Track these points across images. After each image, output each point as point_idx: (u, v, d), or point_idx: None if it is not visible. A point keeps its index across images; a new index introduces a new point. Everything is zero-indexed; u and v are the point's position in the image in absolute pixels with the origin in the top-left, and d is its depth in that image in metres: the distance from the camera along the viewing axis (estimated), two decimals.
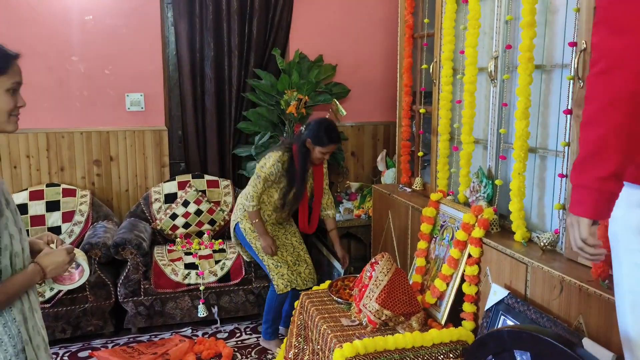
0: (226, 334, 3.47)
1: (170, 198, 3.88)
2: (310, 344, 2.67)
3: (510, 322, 2.10)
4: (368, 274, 2.54)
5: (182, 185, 3.93)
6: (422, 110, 3.17)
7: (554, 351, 1.02)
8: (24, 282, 1.50)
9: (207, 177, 4.04)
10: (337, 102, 4.07)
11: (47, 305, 3.24)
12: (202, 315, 3.43)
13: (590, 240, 1.26)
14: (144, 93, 3.99)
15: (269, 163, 3.11)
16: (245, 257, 3.50)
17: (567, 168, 2.08)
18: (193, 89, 4.06)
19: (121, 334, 3.44)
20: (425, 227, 2.76)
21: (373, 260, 2.57)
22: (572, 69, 2.02)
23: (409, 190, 3.33)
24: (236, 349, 3.28)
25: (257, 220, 3.16)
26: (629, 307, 1.31)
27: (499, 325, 2.15)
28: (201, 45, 4.03)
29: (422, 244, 2.77)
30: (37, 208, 3.71)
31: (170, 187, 3.92)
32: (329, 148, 3.13)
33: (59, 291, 3.24)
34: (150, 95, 4.01)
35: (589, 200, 1.22)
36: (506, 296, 2.15)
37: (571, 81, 2.04)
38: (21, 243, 1.52)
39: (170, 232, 3.82)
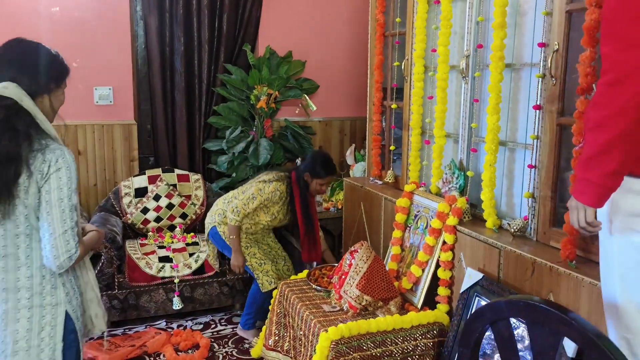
0: (201, 326, 3.50)
1: (140, 192, 3.87)
2: (291, 331, 2.76)
3: (485, 303, 2.25)
4: (348, 262, 2.65)
5: (152, 180, 3.92)
6: (393, 106, 3.30)
7: (547, 316, 1.15)
8: (92, 244, 1.83)
9: (178, 171, 4.05)
10: (307, 98, 4.17)
11: None
12: (177, 308, 3.45)
13: (594, 223, 1.51)
14: (112, 87, 3.95)
15: (267, 189, 3.21)
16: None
17: (535, 159, 2.25)
18: (163, 83, 4.05)
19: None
20: (400, 217, 2.89)
21: (352, 248, 2.69)
22: (541, 67, 2.19)
23: (380, 182, 3.46)
24: (213, 340, 3.32)
25: (234, 236, 3.24)
26: (617, 279, 1.49)
27: (474, 307, 2.31)
28: (171, 40, 4.03)
29: (397, 233, 2.90)
30: None
31: (141, 181, 3.91)
32: (327, 180, 3.29)
33: None
34: (119, 89, 3.98)
35: (593, 192, 1.46)
36: (480, 279, 2.30)
37: (540, 79, 2.21)
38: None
39: (141, 226, 3.81)
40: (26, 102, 1.67)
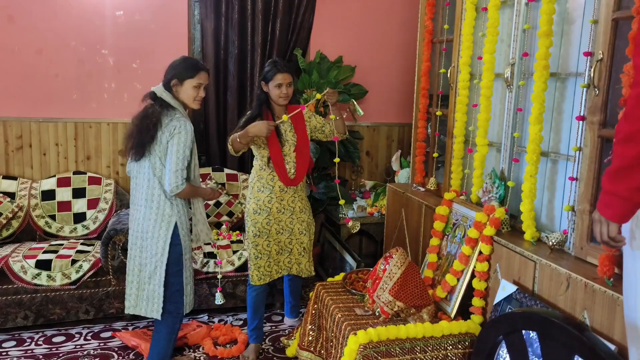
0: (241, 322, 3.60)
1: None
2: (324, 332, 2.79)
3: None
4: (382, 267, 2.66)
5: (202, 178, 4.06)
6: (438, 113, 3.28)
7: (562, 332, 1.13)
8: (203, 193, 2.79)
9: (227, 170, 4.18)
10: (355, 103, 4.18)
11: (72, 287, 3.39)
12: (219, 303, 3.54)
13: (617, 238, 1.47)
14: None
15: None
16: None
17: (577, 172, 2.19)
18: (216, 84, 4.20)
19: (141, 318, 3.57)
20: (438, 225, 2.87)
21: (387, 254, 2.70)
22: (586, 77, 2.13)
23: (422, 189, 3.44)
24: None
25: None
26: None
27: None
28: (226, 43, 4.16)
29: (434, 241, 2.88)
30: (64, 194, 3.86)
31: None
32: (280, 78, 2.93)
33: (84, 274, 3.39)
34: None
35: (618, 206, 1.42)
36: (514, 291, 2.26)
37: (585, 89, 2.14)
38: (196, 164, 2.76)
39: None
40: (159, 92, 2.66)
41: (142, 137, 2.60)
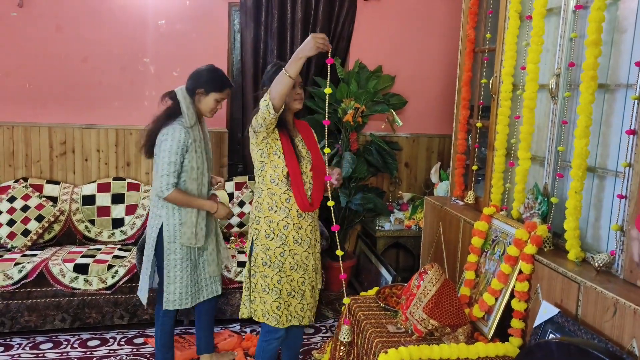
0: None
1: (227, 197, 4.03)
2: (356, 348, 2.72)
3: None
4: (416, 283, 2.57)
5: (239, 186, 4.07)
6: (479, 125, 3.17)
7: None
8: (200, 205, 2.76)
9: None
10: (394, 113, 4.12)
11: (108, 292, 3.43)
12: None
13: None
14: None
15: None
16: None
17: (627, 189, 2.05)
18: (254, 94, 4.20)
19: (175, 325, 3.58)
20: (476, 241, 2.76)
21: (422, 269, 2.60)
22: (637, 89, 2.00)
23: (461, 203, 3.33)
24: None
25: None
26: None
27: None
28: (265, 52, 4.17)
29: (472, 257, 2.77)
30: (103, 200, 3.93)
31: (228, 187, 4.07)
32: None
33: (120, 279, 3.43)
34: None
35: None
36: (556, 314, 2.13)
37: (636, 101, 2.01)
38: (202, 174, 2.82)
39: (224, 231, 3.96)
40: (181, 95, 2.77)
41: (148, 138, 2.79)
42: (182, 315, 3.57)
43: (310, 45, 2.23)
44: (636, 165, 2.01)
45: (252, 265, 2.61)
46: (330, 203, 2.33)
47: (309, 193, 2.57)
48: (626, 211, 2.05)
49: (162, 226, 2.75)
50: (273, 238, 2.54)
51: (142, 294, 2.89)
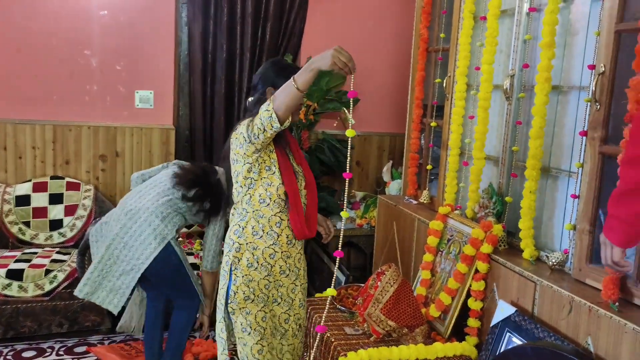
0: None
1: None
2: (311, 352, 2.66)
3: (516, 339, 2.10)
4: (374, 284, 2.54)
5: None
6: (433, 124, 3.18)
7: None
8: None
9: None
10: (346, 111, 4.08)
11: (46, 299, 3.22)
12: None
13: (621, 263, 1.40)
14: (153, 91, 3.99)
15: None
16: None
17: (579, 189, 2.09)
18: (203, 89, 4.06)
19: (118, 332, 3.41)
20: (432, 240, 2.76)
21: (379, 270, 2.58)
22: (590, 91, 2.04)
23: (415, 202, 3.34)
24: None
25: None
26: None
27: (505, 342, 2.15)
28: (214, 47, 4.04)
29: (428, 257, 2.77)
30: (40, 200, 3.69)
31: None
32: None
33: (58, 285, 3.23)
34: (160, 94, 4.01)
35: (621, 231, 1.35)
36: (513, 313, 2.15)
37: (588, 103, 2.05)
38: None
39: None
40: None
41: None
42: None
43: (327, 59, 1.84)
44: (586, 166, 2.05)
45: (229, 301, 2.14)
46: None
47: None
48: (579, 211, 2.09)
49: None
50: (257, 268, 2.14)
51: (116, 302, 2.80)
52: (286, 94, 1.91)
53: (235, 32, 4.03)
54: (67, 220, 3.70)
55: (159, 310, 2.97)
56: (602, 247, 1.43)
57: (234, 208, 2.19)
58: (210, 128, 4.14)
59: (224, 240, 2.73)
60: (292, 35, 4.17)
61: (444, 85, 3.03)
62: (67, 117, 3.88)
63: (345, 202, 1.76)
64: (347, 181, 1.74)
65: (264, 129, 1.96)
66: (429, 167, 3.22)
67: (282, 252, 2.18)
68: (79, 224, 3.71)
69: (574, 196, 2.12)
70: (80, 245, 3.25)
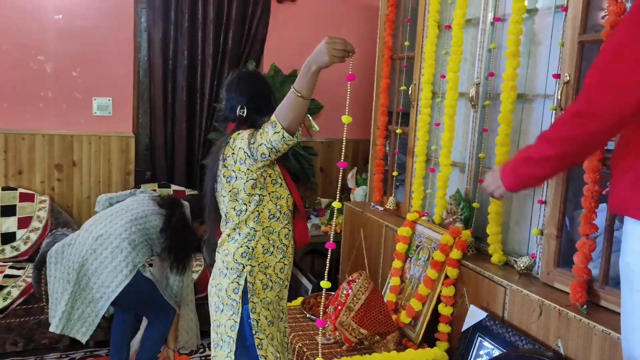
0: (189, 350, 3.36)
1: None
2: None
3: (487, 344, 2.13)
4: (345, 292, 2.53)
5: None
6: (398, 131, 3.21)
7: None
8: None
9: (174, 186, 3.95)
10: (310, 118, 4.06)
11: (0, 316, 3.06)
12: None
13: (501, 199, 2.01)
14: (112, 98, 3.87)
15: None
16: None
17: (546, 195, 2.15)
18: (164, 96, 3.97)
19: (77, 348, 3.27)
20: (400, 247, 2.78)
21: (350, 278, 2.57)
22: (555, 99, 2.10)
23: (381, 209, 3.35)
24: None
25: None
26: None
27: (476, 347, 2.18)
28: (174, 53, 3.96)
29: (397, 263, 2.79)
30: None
31: None
32: None
33: (13, 301, 3.08)
34: (118, 100, 3.89)
35: (515, 182, 1.63)
36: (484, 318, 2.18)
37: (553, 112, 2.11)
38: None
39: None
40: None
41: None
42: None
43: (324, 55, 1.70)
44: None
45: (255, 332, 1.91)
46: None
47: None
48: (546, 216, 2.15)
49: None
50: (272, 287, 1.98)
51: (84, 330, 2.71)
52: (291, 107, 1.77)
53: (197, 38, 3.96)
54: (20, 233, 3.54)
55: (128, 325, 2.88)
56: (490, 182, 1.72)
57: (233, 229, 1.96)
58: (171, 136, 4.05)
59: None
60: (255, 42, 4.13)
61: (410, 92, 3.06)
62: (20, 125, 3.71)
63: (338, 193, 1.63)
64: (341, 170, 1.63)
65: (278, 150, 1.83)
66: (394, 173, 3.25)
67: (289, 264, 2.04)
68: (34, 236, 3.54)
69: (542, 202, 2.17)
70: (37, 259, 3.11)
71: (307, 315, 2.72)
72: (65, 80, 3.76)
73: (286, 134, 1.78)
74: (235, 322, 1.91)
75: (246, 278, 1.92)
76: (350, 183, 4.12)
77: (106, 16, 3.79)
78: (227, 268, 1.94)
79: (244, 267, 1.93)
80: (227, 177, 1.94)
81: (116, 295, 2.58)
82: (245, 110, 2.01)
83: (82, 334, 2.67)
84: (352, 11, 4.36)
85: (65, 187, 3.83)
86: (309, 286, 3.48)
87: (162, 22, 3.89)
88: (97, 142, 3.86)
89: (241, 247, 1.94)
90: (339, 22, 4.35)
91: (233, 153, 1.92)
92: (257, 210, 1.93)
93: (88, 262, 2.59)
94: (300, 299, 2.89)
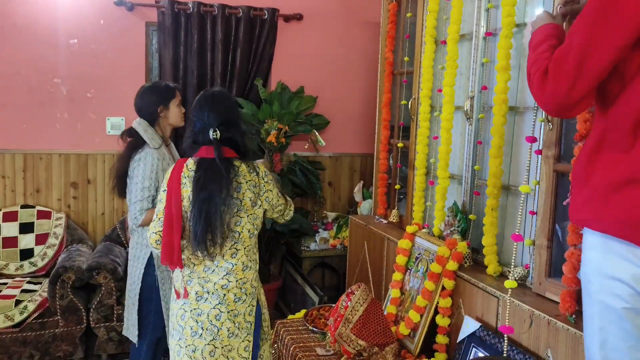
0: None
1: None
2: None
3: (481, 354, 2.15)
4: (344, 304, 2.57)
5: None
6: (400, 145, 3.26)
7: None
8: None
9: None
10: (317, 133, 4.15)
11: (16, 330, 3.18)
12: None
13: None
14: (125, 117, 4.01)
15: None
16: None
17: (537, 206, 2.17)
18: None
19: None
20: (400, 259, 2.81)
21: (349, 290, 2.61)
22: (544, 112, 2.13)
23: (385, 221, 3.39)
24: None
25: None
26: (597, 345, 1.38)
27: (471, 357, 2.20)
28: (184, 73, 4.08)
29: (397, 276, 2.82)
30: (10, 229, 3.66)
31: None
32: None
33: (29, 315, 3.19)
34: (131, 120, 3.98)
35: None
36: (478, 328, 2.20)
37: (542, 123, 2.14)
38: None
39: None
40: (136, 124, 2.65)
41: (118, 178, 2.61)
42: (100, 350, 3.37)
43: None
44: (542, 183, 2.13)
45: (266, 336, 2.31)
46: None
47: None
48: (538, 226, 2.17)
49: (150, 254, 2.54)
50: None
51: (132, 331, 2.62)
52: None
53: (206, 58, 4.09)
54: (38, 249, 3.67)
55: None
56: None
57: (245, 255, 2.14)
58: (182, 152, 4.15)
59: None
60: (262, 60, 4.24)
61: (409, 107, 3.12)
62: (38, 145, 3.87)
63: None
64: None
65: (279, 217, 2.34)
66: (397, 186, 3.29)
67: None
68: (50, 252, 3.68)
69: (533, 213, 2.19)
70: (52, 274, 3.23)
71: (309, 327, 2.76)
72: (79, 102, 3.91)
73: (291, 214, 2.42)
74: (249, 341, 2.15)
75: (260, 298, 2.21)
76: (357, 197, 4.17)
77: (119, 39, 3.94)
78: (245, 294, 2.14)
79: (252, 290, 2.17)
80: (252, 203, 2.13)
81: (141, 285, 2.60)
82: (218, 133, 2.13)
83: (133, 335, 2.65)
84: (356, 28, 4.44)
85: (80, 205, 3.96)
86: (316, 299, 3.53)
87: (172, 43, 4.02)
88: (111, 160, 3.98)
89: (253, 273, 2.18)
90: (343, 39, 4.44)
91: (270, 190, 2.20)
92: (256, 236, 2.22)
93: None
94: (303, 312, 2.94)
